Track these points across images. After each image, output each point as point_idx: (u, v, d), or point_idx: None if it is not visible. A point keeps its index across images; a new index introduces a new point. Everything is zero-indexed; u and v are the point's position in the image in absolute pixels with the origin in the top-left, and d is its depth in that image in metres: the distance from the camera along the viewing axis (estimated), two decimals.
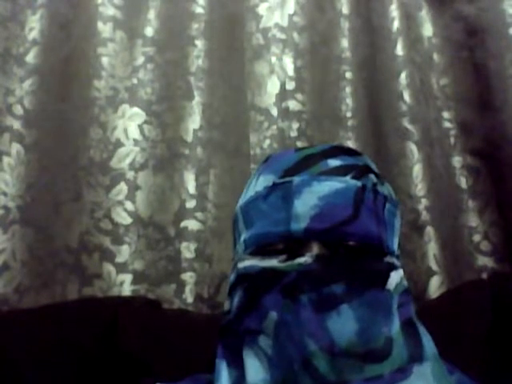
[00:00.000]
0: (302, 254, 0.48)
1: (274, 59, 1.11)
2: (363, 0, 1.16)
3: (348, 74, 1.10)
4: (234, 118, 1.08)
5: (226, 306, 0.55)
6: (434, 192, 1.03)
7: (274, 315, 0.47)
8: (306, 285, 0.47)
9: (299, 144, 1.06)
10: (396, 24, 1.11)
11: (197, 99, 1.06)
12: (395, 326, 0.48)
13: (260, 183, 0.55)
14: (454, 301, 0.85)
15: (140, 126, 1.05)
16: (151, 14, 1.10)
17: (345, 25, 1.13)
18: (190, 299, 0.95)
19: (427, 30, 1.17)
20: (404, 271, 0.53)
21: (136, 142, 1.04)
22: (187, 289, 0.95)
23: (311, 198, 0.50)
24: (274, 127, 1.07)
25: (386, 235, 0.52)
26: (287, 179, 0.52)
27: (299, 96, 1.10)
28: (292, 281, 0.47)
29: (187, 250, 0.98)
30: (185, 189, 1.02)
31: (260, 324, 0.48)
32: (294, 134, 1.07)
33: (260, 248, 0.51)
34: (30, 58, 1.01)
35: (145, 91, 1.06)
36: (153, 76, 1.08)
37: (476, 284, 0.89)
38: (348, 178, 0.52)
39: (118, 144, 1.03)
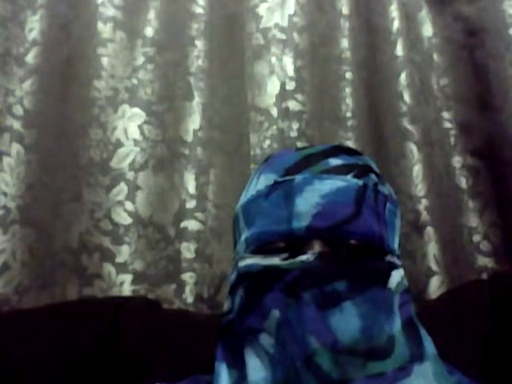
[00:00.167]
0: (303, 252, 0.48)
1: (274, 59, 1.11)
2: (363, 0, 1.16)
3: (348, 74, 1.10)
4: (234, 118, 1.08)
5: (226, 306, 0.55)
6: (434, 192, 1.03)
7: (276, 313, 0.47)
8: (308, 282, 0.47)
9: (299, 144, 1.06)
10: (396, 24, 1.11)
11: (197, 99, 1.06)
12: (397, 324, 0.48)
13: (261, 182, 0.55)
14: (454, 301, 0.85)
15: (140, 127, 1.04)
16: (151, 14, 1.10)
17: (345, 25, 1.13)
18: (190, 299, 0.95)
19: (427, 30, 1.17)
20: (404, 271, 0.53)
21: (136, 142, 1.04)
22: (187, 289, 0.95)
23: (313, 196, 0.50)
24: (274, 127, 1.07)
25: (387, 234, 0.52)
26: (289, 178, 0.52)
27: (299, 96, 1.10)
28: (294, 278, 0.47)
29: (187, 250, 0.98)
30: (185, 189, 1.02)
31: (261, 322, 0.48)
32: (294, 134, 1.07)
33: (261, 246, 0.51)
34: (30, 58, 1.01)
35: (145, 91, 1.06)
36: (153, 76, 1.07)
37: (476, 284, 0.89)
38: (349, 176, 0.52)
39: (118, 144, 1.03)
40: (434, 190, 1.03)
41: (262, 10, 1.14)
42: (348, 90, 1.10)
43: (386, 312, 0.48)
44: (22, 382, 0.73)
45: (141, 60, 1.08)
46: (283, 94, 1.09)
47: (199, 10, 1.11)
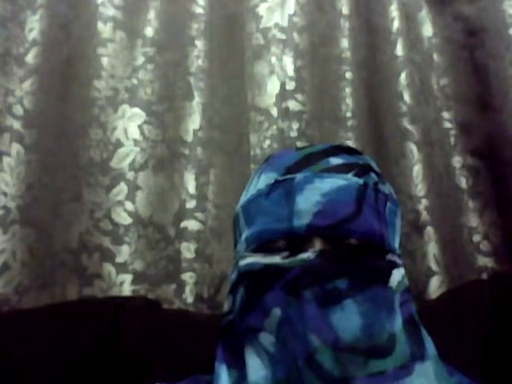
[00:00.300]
0: (304, 250, 0.48)
1: (274, 59, 1.11)
2: (363, 0, 1.16)
3: (348, 74, 1.10)
4: (234, 118, 1.08)
5: (227, 306, 0.55)
6: (434, 192, 1.03)
7: (277, 312, 0.47)
8: (309, 280, 0.46)
9: (299, 144, 1.06)
10: (396, 24, 1.11)
11: (197, 99, 1.06)
12: (398, 322, 0.48)
13: (261, 181, 0.55)
14: (454, 301, 0.85)
15: (140, 127, 1.04)
16: (151, 14, 1.10)
17: (345, 25, 1.13)
18: (190, 299, 0.95)
19: (427, 30, 1.17)
20: (405, 270, 0.53)
21: (136, 142, 1.04)
22: (187, 289, 0.95)
23: (313, 194, 0.50)
24: (274, 127, 1.07)
25: (388, 233, 0.52)
26: (289, 176, 0.52)
27: (299, 96, 1.10)
28: (295, 277, 0.47)
29: (187, 250, 0.98)
30: (185, 189, 1.02)
31: (262, 321, 0.48)
32: (294, 134, 1.07)
33: (262, 245, 0.51)
34: (30, 58, 1.01)
35: (145, 91, 1.06)
36: (153, 76, 1.07)
37: (476, 284, 0.89)
38: (350, 175, 0.52)
39: (118, 144, 1.03)
40: (434, 190, 1.03)
41: (262, 9, 1.14)
42: (348, 89, 1.10)
43: (386, 310, 0.47)
44: (22, 381, 0.73)
45: (141, 60, 1.08)
46: (283, 94, 1.09)
47: (199, 10, 1.11)
